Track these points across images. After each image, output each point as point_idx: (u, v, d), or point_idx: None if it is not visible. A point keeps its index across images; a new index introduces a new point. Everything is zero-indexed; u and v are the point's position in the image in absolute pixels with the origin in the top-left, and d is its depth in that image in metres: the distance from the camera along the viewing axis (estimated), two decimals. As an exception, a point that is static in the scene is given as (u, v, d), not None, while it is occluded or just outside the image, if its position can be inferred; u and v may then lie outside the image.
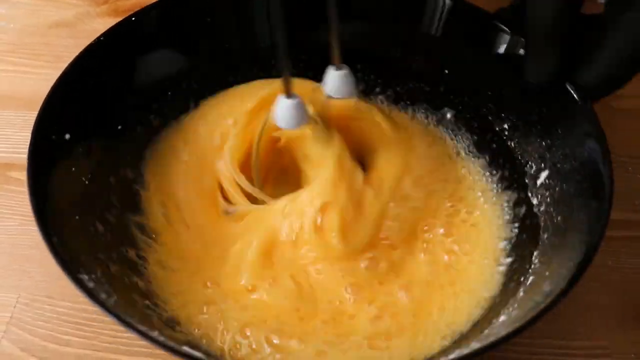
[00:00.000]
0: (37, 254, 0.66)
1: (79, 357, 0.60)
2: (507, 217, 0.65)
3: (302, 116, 0.58)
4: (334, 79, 0.59)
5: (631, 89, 0.78)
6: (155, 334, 0.49)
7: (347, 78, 0.59)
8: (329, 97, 0.60)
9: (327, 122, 0.64)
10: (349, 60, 0.70)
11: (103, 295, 0.50)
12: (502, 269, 0.62)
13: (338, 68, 0.59)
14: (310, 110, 0.62)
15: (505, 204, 0.66)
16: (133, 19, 0.65)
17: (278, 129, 0.61)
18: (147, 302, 0.58)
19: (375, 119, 0.66)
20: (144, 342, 0.60)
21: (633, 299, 0.64)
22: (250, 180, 0.66)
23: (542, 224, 0.60)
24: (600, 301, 0.64)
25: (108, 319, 0.61)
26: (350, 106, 0.65)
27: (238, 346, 0.57)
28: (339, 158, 0.62)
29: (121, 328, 0.60)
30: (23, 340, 0.61)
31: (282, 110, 0.58)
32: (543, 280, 0.54)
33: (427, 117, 0.72)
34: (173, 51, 0.68)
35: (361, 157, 0.66)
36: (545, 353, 0.61)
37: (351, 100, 0.64)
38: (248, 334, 0.58)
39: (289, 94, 0.57)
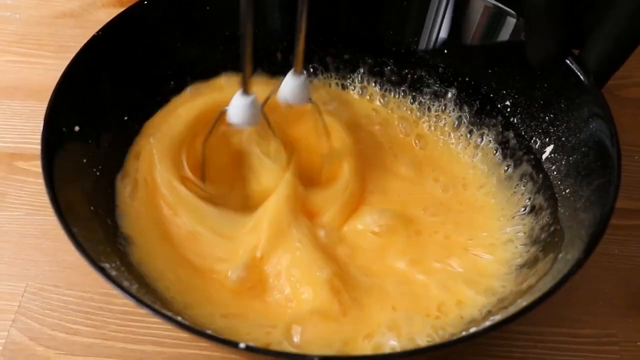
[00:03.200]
0: (44, 243, 0.67)
1: (88, 346, 0.61)
2: (515, 192, 0.65)
3: (255, 115, 0.58)
4: (292, 85, 0.59)
5: (637, 77, 0.78)
6: (179, 318, 0.49)
7: (305, 85, 0.59)
8: (284, 101, 0.60)
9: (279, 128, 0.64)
10: (348, 47, 0.71)
11: (125, 284, 0.50)
12: (515, 243, 0.62)
13: (296, 74, 0.59)
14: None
15: (512, 180, 0.66)
16: (145, 3, 0.65)
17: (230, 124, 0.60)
18: (165, 288, 0.58)
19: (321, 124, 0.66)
20: (152, 331, 0.61)
21: (639, 288, 0.64)
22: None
23: (550, 197, 0.61)
24: (607, 290, 0.64)
25: (116, 308, 0.62)
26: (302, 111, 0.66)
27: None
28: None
29: (129, 317, 0.62)
30: (31, 329, 0.61)
31: (236, 106, 0.57)
32: (557, 252, 0.55)
33: (429, 99, 0.72)
34: (179, 40, 0.68)
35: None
36: (552, 341, 0.61)
37: (304, 106, 0.64)
38: None
39: (245, 91, 0.56)
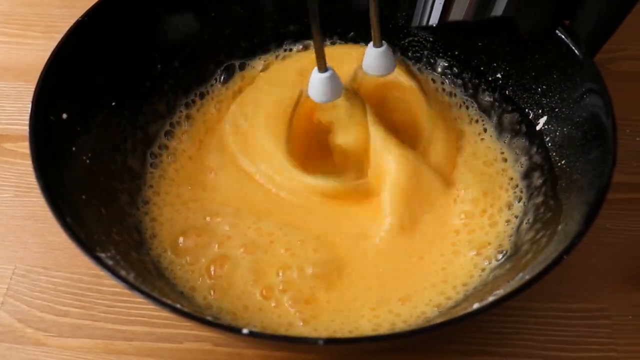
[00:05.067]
0: (32, 224, 0.66)
1: (77, 327, 0.61)
2: (512, 164, 0.64)
3: (335, 89, 0.58)
4: (372, 57, 0.60)
5: (628, 51, 0.78)
6: (178, 306, 0.49)
7: (386, 55, 0.60)
8: (368, 74, 0.61)
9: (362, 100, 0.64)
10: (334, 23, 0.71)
11: (122, 272, 0.50)
12: (513, 214, 0.62)
13: (377, 45, 0.59)
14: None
15: (508, 152, 0.65)
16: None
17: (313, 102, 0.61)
18: (160, 275, 0.58)
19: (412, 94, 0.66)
20: (141, 311, 0.61)
21: (631, 261, 0.64)
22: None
23: (546, 168, 0.61)
24: (599, 264, 0.64)
25: (105, 289, 0.62)
26: (387, 82, 0.65)
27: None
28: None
29: (118, 297, 0.61)
30: (20, 311, 0.61)
31: (315, 83, 0.58)
32: (556, 224, 0.55)
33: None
34: (165, 22, 0.67)
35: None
36: (545, 316, 0.61)
37: (389, 77, 0.64)
38: None
39: (322, 67, 0.57)
